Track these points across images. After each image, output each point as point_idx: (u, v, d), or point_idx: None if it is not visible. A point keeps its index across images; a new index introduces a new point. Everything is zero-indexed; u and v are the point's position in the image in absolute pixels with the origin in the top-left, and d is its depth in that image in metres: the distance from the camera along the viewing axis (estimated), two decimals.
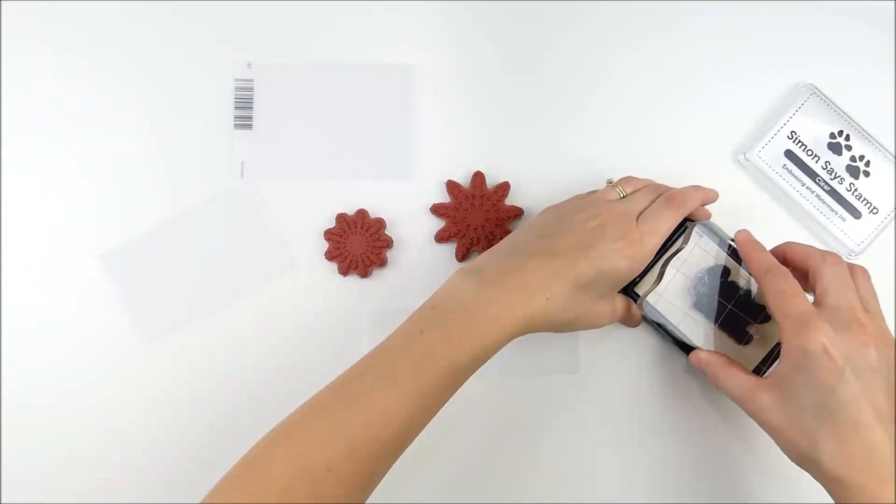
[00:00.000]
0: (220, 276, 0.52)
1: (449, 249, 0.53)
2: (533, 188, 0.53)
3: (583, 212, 0.44)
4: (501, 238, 0.51)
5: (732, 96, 0.54)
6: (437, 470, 0.51)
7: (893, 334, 0.42)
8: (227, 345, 0.52)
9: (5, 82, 0.52)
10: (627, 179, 0.48)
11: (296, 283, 0.52)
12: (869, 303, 0.42)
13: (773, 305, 0.41)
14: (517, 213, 0.52)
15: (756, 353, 0.47)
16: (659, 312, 0.48)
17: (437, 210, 0.52)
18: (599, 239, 0.42)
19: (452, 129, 0.53)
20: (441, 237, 0.52)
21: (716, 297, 0.48)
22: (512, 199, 0.52)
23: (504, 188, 0.52)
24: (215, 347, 0.51)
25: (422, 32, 0.53)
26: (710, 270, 0.48)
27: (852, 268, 0.43)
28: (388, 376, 0.39)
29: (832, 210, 0.51)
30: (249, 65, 0.53)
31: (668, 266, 0.48)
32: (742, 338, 0.47)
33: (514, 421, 0.52)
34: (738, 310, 0.47)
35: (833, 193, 0.51)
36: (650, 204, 0.46)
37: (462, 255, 0.52)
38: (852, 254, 0.52)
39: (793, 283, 0.42)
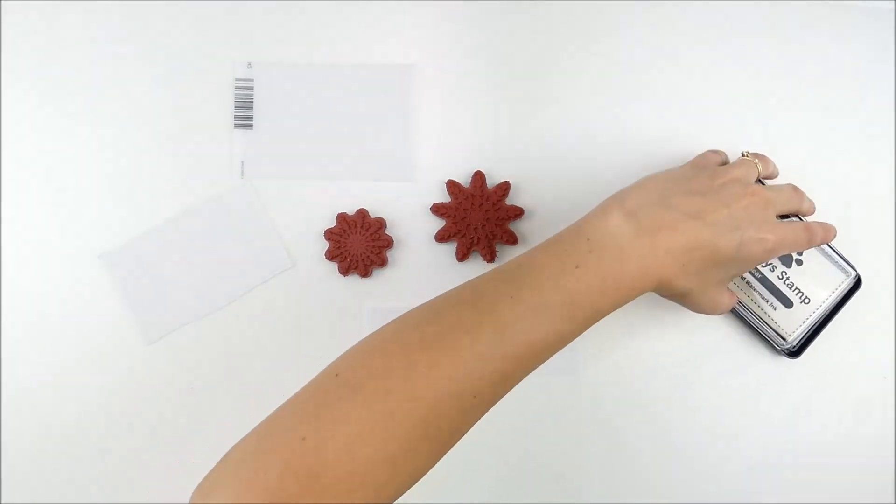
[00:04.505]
0: (220, 276, 0.52)
1: (449, 249, 0.53)
2: (533, 188, 0.53)
3: (737, 183, 0.42)
4: (502, 237, 0.51)
5: (733, 96, 0.54)
6: (437, 469, 0.51)
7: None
8: (227, 345, 0.52)
9: (5, 82, 0.52)
10: (763, 159, 0.48)
11: (296, 282, 0.52)
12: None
13: None
14: (517, 213, 0.52)
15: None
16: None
17: (437, 210, 0.52)
18: (748, 223, 0.41)
19: (452, 129, 0.53)
20: (441, 237, 0.52)
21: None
22: (512, 199, 0.52)
23: (504, 188, 0.52)
24: (215, 347, 0.51)
25: (422, 32, 0.53)
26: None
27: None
28: (540, 310, 0.37)
29: (763, 298, 0.50)
30: (249, 65, 0.53)
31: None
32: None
33: (514, 421, 0.52)
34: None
35: (764, 281, 0.50)
36: (787, 211, 0.45)
37: (462, 255, 0.52)
38: (784, 343, 0.50)
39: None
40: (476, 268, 0.52)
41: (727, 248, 0.40)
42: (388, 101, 0.53)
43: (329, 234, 0.51)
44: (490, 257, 0.52)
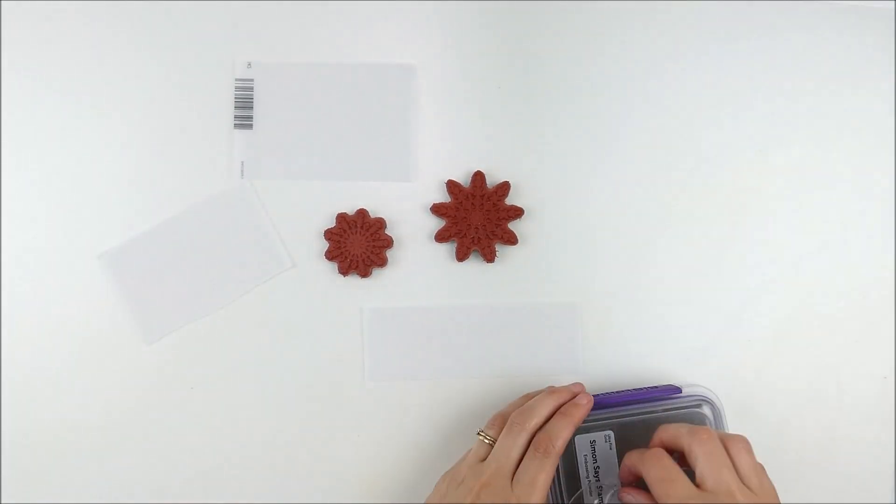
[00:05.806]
0: (220, 276, 0.52)
1: (449, 249, 0.53)
2: (533, 188, 0.53)
3: (462, 485, 0.43)
4: (502, 237, 0.51)
5: (732, 96, 0.54)
6: (437, 469, 0.51)
7: None
8: (227, 345, 0.52)
9: (5, 82, 0.52)
10: (494, 419, 0.46)
11: (296, 282, 0.52)
12: (749, 478, 0.41)
13: (656, 494, 0.40)
14: (517, 213, 0.52)
15: None
16: None
17: (437, 210, 0.52)
18: None
19: (452, 129, 0.53)
20: (441, 237, 0.52)
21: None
22: (512, 199, 0.52)
23: (504, 188, 0.52)
24: (215, 347, 0.51)
25: (422, 32, 0.53)
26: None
27: (728, 440, 0.42)
28: None
29: None
30: (249, 65, 0.53)
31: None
32: None
33: None
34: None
35: None
36: (523, 449, 0.43)
37: (462, 255, 0.52)
38: None
39: (668, 468, 0.41)
40: (476, 268, 0.52)
41: None
42: (388, 101, 0.53)
43: (329, 234, 0.51)
44: (490, 257, 0.52)
